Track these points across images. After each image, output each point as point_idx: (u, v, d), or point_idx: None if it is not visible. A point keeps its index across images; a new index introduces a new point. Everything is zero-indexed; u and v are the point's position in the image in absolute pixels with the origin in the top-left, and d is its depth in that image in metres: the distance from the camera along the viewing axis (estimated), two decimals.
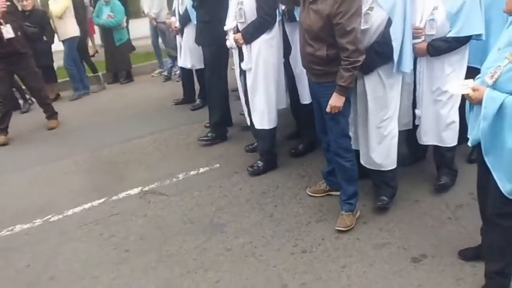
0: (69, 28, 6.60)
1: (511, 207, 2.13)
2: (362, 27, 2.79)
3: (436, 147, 3.41)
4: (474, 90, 2.14)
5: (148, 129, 5.18)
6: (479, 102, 2.11)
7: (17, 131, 5.50)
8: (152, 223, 3.36)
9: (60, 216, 3.56)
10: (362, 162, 3.24)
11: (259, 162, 3.95)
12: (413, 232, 2.96)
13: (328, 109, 2.86)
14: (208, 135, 4.64)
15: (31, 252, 3.16)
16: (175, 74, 7.38)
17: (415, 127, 3.41)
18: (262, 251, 2.92)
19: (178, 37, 5.52)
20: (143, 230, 3.27)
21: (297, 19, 3.60)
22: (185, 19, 5.15)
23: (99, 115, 6.00)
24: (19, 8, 5.84)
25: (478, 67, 3.15)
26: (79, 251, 3.11)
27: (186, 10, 5.08)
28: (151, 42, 7.57)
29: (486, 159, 2.16)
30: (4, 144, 5.16)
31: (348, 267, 2.71)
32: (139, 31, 9.10)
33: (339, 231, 3.02)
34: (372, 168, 3.20)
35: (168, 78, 7.48)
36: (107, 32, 7.27)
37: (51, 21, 6.52)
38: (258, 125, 3.84)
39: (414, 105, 3.36)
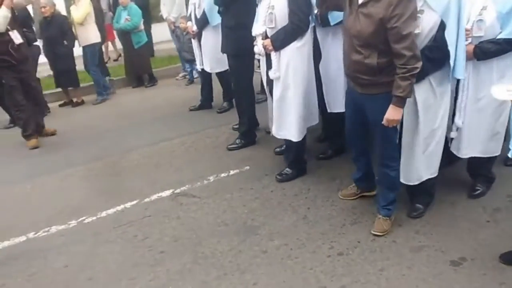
0: (91, 34, 6.72)
1: None
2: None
3: (475, 157, 3.23)
4: None
5: (176, 132, 5.23)
6: None
7: (64, 132, 5.71)
8: (185, 225, 3.38)
9: (94, 218, 3.61)
10: (401, 179, 3.06)
11: (287, 169, 3.86)
12: (450, 235, 2.93)
13: (384, 123, 2.69)
14: (237, 141, 4.63)
15: (67, 253, 3.22)
16: (197, 77, 7.41)
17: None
18: (298, 253, 2.91)
19: (194, 41, 5.51)
20: (176, 232, 3.30)
21: (331, 23, 3.53)
22: (203, 23, 5.14)
23: (124, 118, 6.09)
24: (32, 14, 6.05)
25: None
26: (114, 253, 3.15)
27: (203, 13, 5.06)
28: (175, 46, 7.65)
29: None
30: (35, 147, 5.26)
31: (386, 270, 2.68)
32: (161, 35, 9.21)
33: (375, 235, 2.99)
34: (414, 183, 3.06)
35: (191, 82, 7.53)
36: (126, 36, 7.35)
37: (72, 27, 6.64)
38: (285, 136, 3.72)
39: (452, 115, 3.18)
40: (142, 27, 7.39)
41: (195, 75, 7.24)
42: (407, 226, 3.07)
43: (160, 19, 8.21)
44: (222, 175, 4.06)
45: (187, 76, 7.70)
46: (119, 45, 9.55)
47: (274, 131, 3.78)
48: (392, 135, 2.85)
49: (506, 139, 3.22)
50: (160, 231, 3.33)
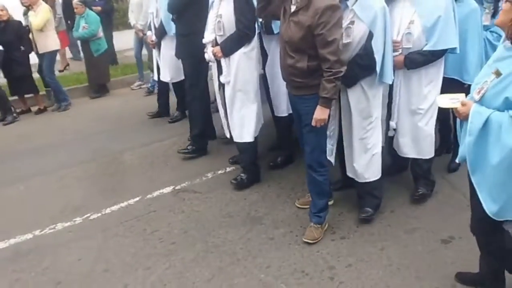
0: (50, 41, 6.48)
1: (498, 232, 2.16)
2: (345, 41, 2.89)
3: (413, 159, 3.49)
4: (463, 105, 2.15)
5: (166, 134, 5.34)
6: (466, 117, 2.11)
7: (31, 137, 5.63)
8: (191, 218, 3.55)
9: (99, 214, 3.71)
10: (348, 173, 3.33)
11: (242, 174, 3.93)
12: (438, 218, 3.27)
13: (313, 123, 2.87)
14: (188, 147, 4.62)
15: (78, 247, 3.31)
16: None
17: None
18: (302, 238, 3.16)
19: (154, 51, 5.50)
20: (184, 225, 3.46)
21: (275, 31, 3.71)
22: (161, 32, 5.11)
23: (101, 122, 6.05)
24: None
25: (457, 78, 3.43)
26: (126, 245, 3.28)
27: (161, 23, 5.01)
28: (134, 54, 7.36)
29: (472, 178, 2.16)
30: None
31: (386, 249, 2.99)
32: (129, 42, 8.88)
33: (306, 243, 3.09)
34: (357, 179, 3.28)
35: (150, 92, 7.15)
36: (85, 44, 7.16)
37: (30, 34, 6.43)
38: (237, 138, 3.83)
39: (388, 118, 3.41)
40: (100, 34, 7.20)
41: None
42: (398, 213, 3.39)
43: (129, 26, 8.01)
44: (219, 172, 4.25)
45: (144, 86, 7.47)
46: (69, 54, 9.30)
47: (233, 135, 3.86)
48: (320, 139, 3.02)
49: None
50: (168, 224, 3.48)
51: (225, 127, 4.04)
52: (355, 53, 2.96)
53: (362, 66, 2.95)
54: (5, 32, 6.20)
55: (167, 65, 5.23)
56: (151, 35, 5.37)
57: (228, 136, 4.06)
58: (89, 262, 3.13)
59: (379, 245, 3.03)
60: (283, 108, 3.98)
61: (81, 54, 7.99)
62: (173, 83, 5.49)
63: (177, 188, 4.02)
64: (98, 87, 7.49)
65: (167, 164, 4.56)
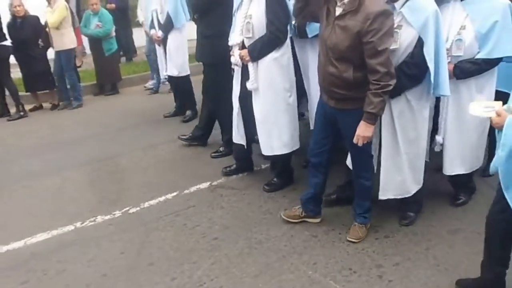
0: (66, 39, 6.50)
1: None
2: (391, 47, 2.62)
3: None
4: (498, 115, 2.01)
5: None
6: (501, 128, 1.98)
7: (61, 130, 5.68)
8: (231, 214, 3.57)
9: (138, 208, 3.74)
10: (387, 194, 3.14)
11: (275, 179, 3.85)
12: (479, 220, 3.23)
13: (355, 140, 2.70)
14: (221, 149, 4.60)
15: (120, 240, 3.33)
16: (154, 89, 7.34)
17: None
18: (346, 237, 3.17)
19: (159, 49, 5.48)
20: (225, 221, 3.48)
21: (309, 35, 3.50)
22: (167, 26, 5.07)
23: (126, 118, 6.09)
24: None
25: (505, 90, 3.04)
26: (168, 239, 3.29)
27: (167, 16, 5.03)
28: (145, 51, 7.37)
29: (506, 194, 2.05)
30: None
31: (432, 249, 3.00)
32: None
33: (350, 241, 3.08)
34: (404, 196, 3.16)
35: (155, 92, 7.30)
36: (96, 42, 7.13)
37: (48, 30, 6.47)
38: (267, 151, 3.66)
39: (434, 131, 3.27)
40: (113, 33, 7.21)
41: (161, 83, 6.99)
42: (439, 213, 3.39)
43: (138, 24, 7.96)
44: (255, 169, 4.26)
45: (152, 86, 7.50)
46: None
47: (263, 151, 3.72)
48: (365, 146, 2.84)
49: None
50: (208, 220, 3.50)
51: (238, 134, 3.84)
52: (401, 61, 2.75)
53: (409, 75, 2.74)
54: (22, 28, 6.19)
55: (173, 59, 5.22)
56: (155, 33, 5.33)
57: (244, 143, 3.89)
58: (133, 256, 3.15)
59: (424, 245, 3.04)
60: None
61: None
62: (178, 79, 5.45)
63: (214, 184, 4.04)
64: (110, 86, 7.49)
65: (200, 160, 4.58)
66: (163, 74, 5.64)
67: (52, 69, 6.70)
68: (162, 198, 3.85)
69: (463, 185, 3.46)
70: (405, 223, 3.24)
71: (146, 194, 3.94)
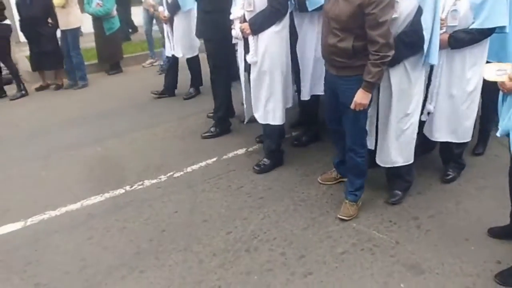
0: (72, 18, 6.46)
1: None
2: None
3: (444, 142, 3.46)
4: (510, 79, 2.08)
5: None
6: None
7: (86, 106, 5.88)
8: (271, 176, 3.84)
9: (182, 173, 3.98)
10: (377, 160, 3.26)
11: (265, 160, 3.92)
12: (503, 178, 3.55)
13: (352, 106, 2.81)
14: (211, 130, 4.63)
15: (171, 201, 3.58)
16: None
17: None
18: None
19: (166, 26, 5.43)
20: (267, 182, 3.75)
21: (309, 9, 3.58)
22: (174, 8, 5.08)
23: (142, 95, 6.17)
24: None
25: (494, 61, 3.10)
26: (217, 199, 3.55)
27: None
28: (144, 30, 7.41)
29: None
30: None
31: (462, 203, 3.31)
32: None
33: (342, 219, 3.18)
34: (388, 165, 3.24)
35: (164, 71, 6.78)
36: (97, 21, 7.04)
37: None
38: (262, 120, 3.75)
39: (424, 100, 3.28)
40: (114, 13, 7.14)
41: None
42: (466, 174, 3.66)
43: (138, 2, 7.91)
44: (286, 136, 4.43)
45: (156, 64, 7.49)
46: (89, 29, 9.23)
47: (256, 116, 3.79)
48: (360, 120, 2.95)
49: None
50: (250, 182, 3.77)
51: (245, 111, 4.01)
52: (400, 30, 2.81)
53: (408, 44, 2.80)
54: (32, 6, 6.19)
55: (179, 41, 5.26)
56: (163, 11, 5.34)
57: (246, 119, 4.07)
58: (186, 214, 3.41)
59: (453, 201, 3.35)
60: (313, 88, 3.94)
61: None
62: (187, 59, 5.56)
63: (249, 150, 4.31)
64: (111, 65, 7.50)
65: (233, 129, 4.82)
66: (169, 52, 5.64)
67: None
68: (203, 164, 4.11)
69: (453, 161, 3.56)
70: (392, 201, 3.32)
71: (187, 160, 4.18)
